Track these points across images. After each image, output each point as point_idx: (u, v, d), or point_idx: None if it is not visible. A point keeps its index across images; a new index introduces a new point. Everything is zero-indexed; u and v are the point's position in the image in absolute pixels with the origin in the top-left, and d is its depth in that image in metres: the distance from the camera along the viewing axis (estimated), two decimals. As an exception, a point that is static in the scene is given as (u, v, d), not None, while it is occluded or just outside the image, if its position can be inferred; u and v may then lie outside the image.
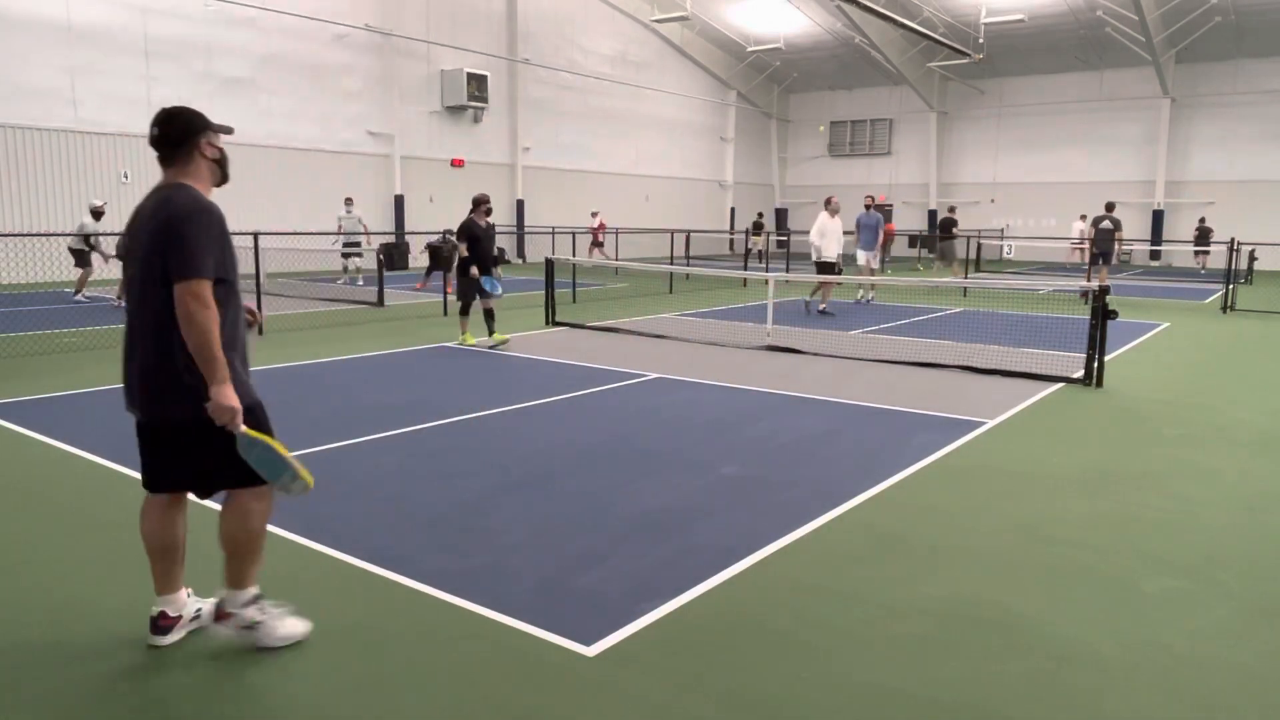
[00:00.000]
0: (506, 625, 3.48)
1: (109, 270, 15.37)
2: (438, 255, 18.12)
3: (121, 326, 3.28)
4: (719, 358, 10.12)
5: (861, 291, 17.29)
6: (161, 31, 19.63)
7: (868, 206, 16.49)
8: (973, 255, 25.41)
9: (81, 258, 14.76)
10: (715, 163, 37.02)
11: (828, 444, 6.35)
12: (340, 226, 19.22)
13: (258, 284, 12.27)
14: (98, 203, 15.17)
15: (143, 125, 17.13)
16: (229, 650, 3.27)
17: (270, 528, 4.43)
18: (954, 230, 22.20)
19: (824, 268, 14.30)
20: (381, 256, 15.54)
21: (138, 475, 3.30)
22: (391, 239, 23.61)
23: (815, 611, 3.67)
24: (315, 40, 22.49)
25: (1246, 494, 5.34)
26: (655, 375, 8.94)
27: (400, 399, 7.63)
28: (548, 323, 12.84)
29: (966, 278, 20.79)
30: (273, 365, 9.23)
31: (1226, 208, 30.42)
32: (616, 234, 25.00)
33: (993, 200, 35.26)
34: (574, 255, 21.56)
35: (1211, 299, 18.43)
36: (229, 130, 3.31)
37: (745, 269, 22.59)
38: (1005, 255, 29.82)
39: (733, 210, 37.69)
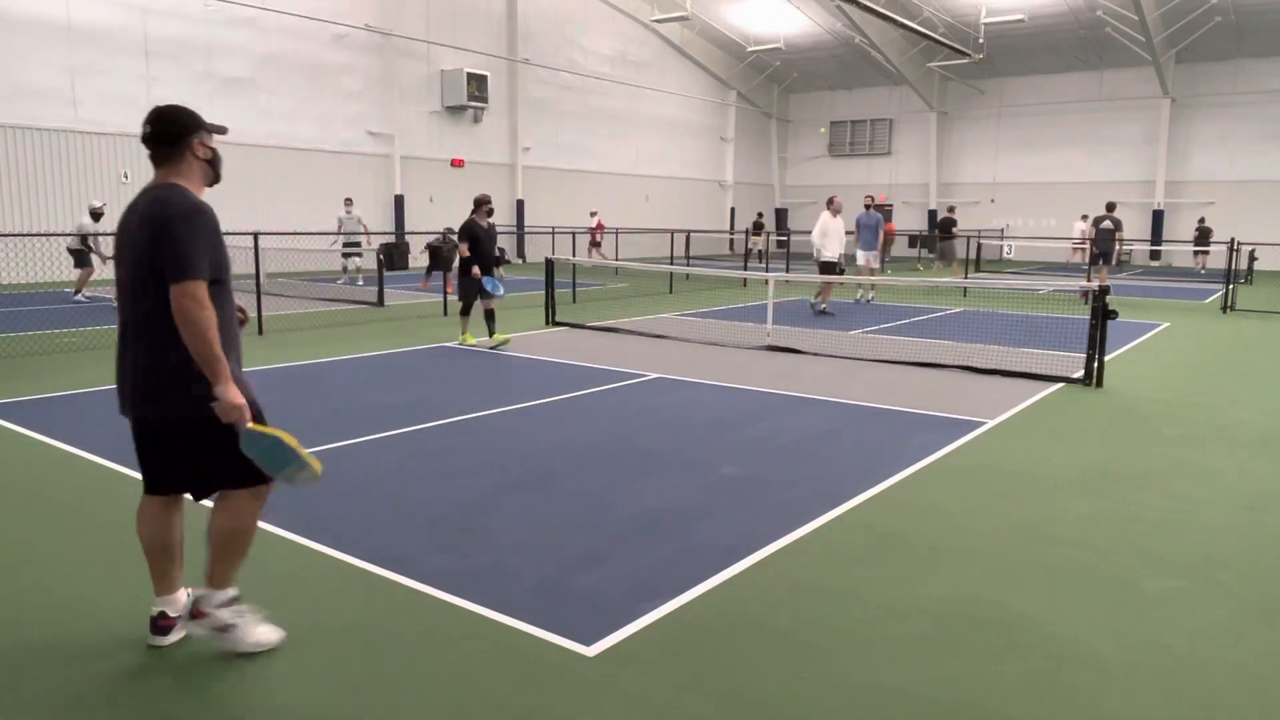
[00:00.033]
0: (506, 625, 3.48)
1: (109, 270, 15.37)
2: (438, 255, 18.13)
3: None
4: (719, 358, 10.12)
5: (861, 291, 17.30)
6: (161, 31, 19.63)
7: (867, 206, 16.50)
8: (972, 255, 25.42)
9: (80, 258, 14.77)
10: (715, 163, 37.02)
11: (828, 444, 6.35)
12: (340, 226, 19.23)
13: (258, 284, 12.26)
14: (97, 204, 15.18)
15: (143, 125, 17.16)
16: (228, 650, 3.26)
17: (270, 528, 4.45)
18: (953, 230, 22.21)
19: (826, 267, 14.30)
20: (381, 256, 15.54)
21: (138, 475, 3.29)
22: (391, 239, 23.61)
23: (815, 611, 3.67)
24: (315, 40, 22.49)
25: (1246, 494, 5.34)
26: (655, 375, 8.94)
27: (400, 399, 7.63)
28: (548, 323, 12.84)
29: (966, 277, 20.80)
30: (273, 365, 9.23)
31: (1226, 208, 30.43)
32: (616, 234, 25.00)
33: (993, 200, 35.26)
34: (574, 255, 21.56)
35: (1211, 299, 18.43)
36: (223, 130, 3.29)
37: (745, 269, 22.60)
38: (1005, 255, 29.83)
39: (733, 210, 37.70)
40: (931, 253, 24.84)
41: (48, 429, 6.40)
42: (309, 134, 22.68)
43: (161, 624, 3.29)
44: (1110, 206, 18.50)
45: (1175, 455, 6.22)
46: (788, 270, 20.27)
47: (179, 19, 19.92)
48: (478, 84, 25.68)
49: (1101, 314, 8.57)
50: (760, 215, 34.43)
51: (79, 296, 14.91)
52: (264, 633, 3.26)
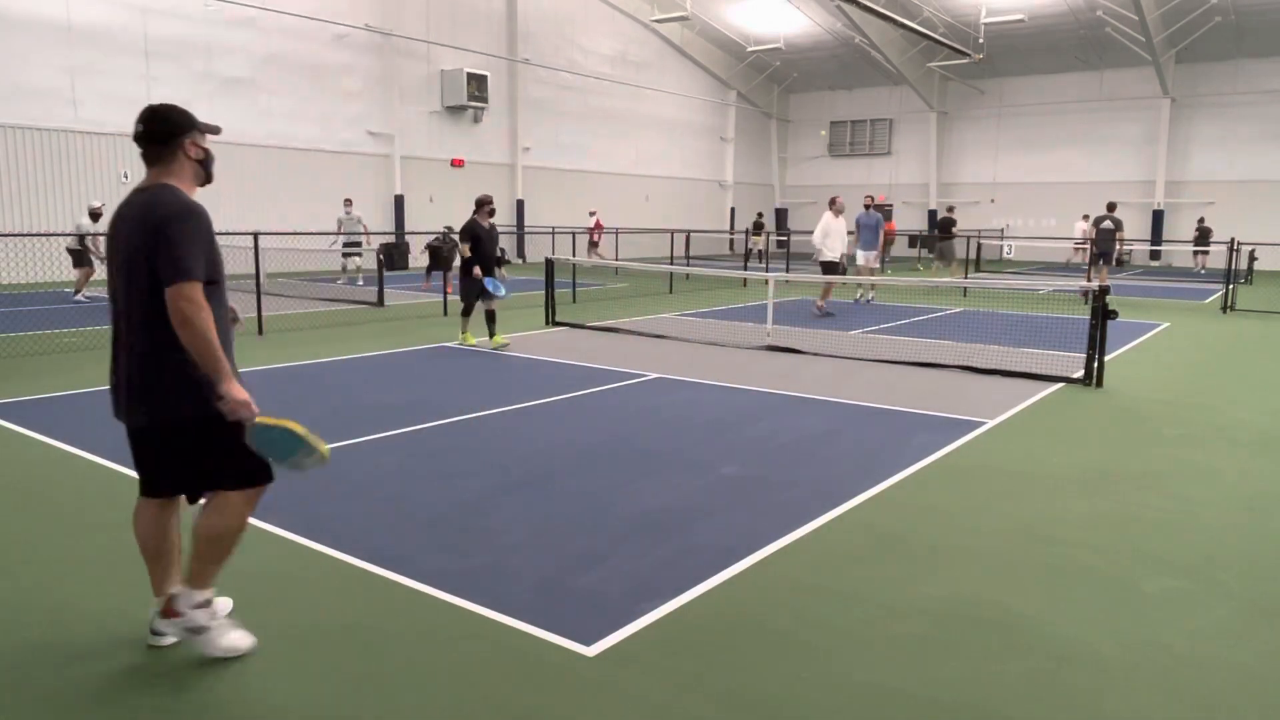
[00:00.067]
0: (506, 625, 3.48)
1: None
2: (437, 255, 18.14)
3: None
4: (719, 358, 10.12)
5: (861, 291, 17.30)
6: (161, 31, 19.63)
7: (867, 206, 16.51)
8: (972, 255, 25.41)
9: (79, 258, 14.77)
10: (715, 163, 37.02)
11: (828, 444, 6.35)
12: (340, 227, 19.25)
13: (258, 284, 12.26)
14: (96, 204, 15.18)
15: (143, 125, 17.15)
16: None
17: (270, 528, 4.45)
18: (953, 230, 22.21)
19: (827, 267, 14.31)
20: (381, 256, 15.54)
21: (137, 477, 3.28)
22: (391, 239, 23.61)
23: (815, 611, 3.67)
24: (315, 40, 22.49)
25: (1246, 494, 5.34)
26: (655, 375, 8.94)
27: (400, 399, 7.63)
28: (548, 323, 12.84)
29: (966, 277, 20.80)
30: (273, 365, 9.23)
31: (1226, 208, 30.43)
32: (616, 234, 25.00)
33: (993, 200, 35.26)
34: (574, 255, 21.56)
35: (1211, 299, 18.43)
36: (216, 130, 3.26)
37: (745, 269, 22.60)
38: (1005, 255, 29.83)
39: (733, 210, 37.70)
40: (931, 253, 24.84)
41: (48, 429, 6.40)
42: (309, 134, 22.68)
43: (161, 624, 3.30)
44: (1111, 206, 18.51)
45: (1175, 455, 6.22)
46: (788, 270, 20.26)
47: (179, 19, 19.92)
48: (478, 84, 25.68)
49: (1101, 314, 8.57)
50: (760, 215, 34.40)
51: (79, 296, 14.92)
52: (237, 638, 3.21)
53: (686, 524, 4.63)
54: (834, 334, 12.25)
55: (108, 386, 3.23)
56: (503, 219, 27.09)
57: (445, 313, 14.09)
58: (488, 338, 10.64)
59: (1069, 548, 4.41)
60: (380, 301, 15.00)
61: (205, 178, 3.24)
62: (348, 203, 19.67)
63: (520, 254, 28.37)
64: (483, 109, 26.38)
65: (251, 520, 4.50)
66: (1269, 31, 27.77)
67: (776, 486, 5.31)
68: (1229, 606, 3.77)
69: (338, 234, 19.26)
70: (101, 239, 14.23)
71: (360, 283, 19.00)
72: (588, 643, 3.34)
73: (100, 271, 15.09)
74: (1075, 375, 8.90)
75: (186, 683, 3.06)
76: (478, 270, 10.31)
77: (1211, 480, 5.62)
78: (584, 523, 4.62)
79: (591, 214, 26.86)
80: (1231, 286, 16.11)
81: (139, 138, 3.10)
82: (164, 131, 3.10)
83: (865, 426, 6.90)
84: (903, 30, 26.92)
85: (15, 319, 12.43)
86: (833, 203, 14.36)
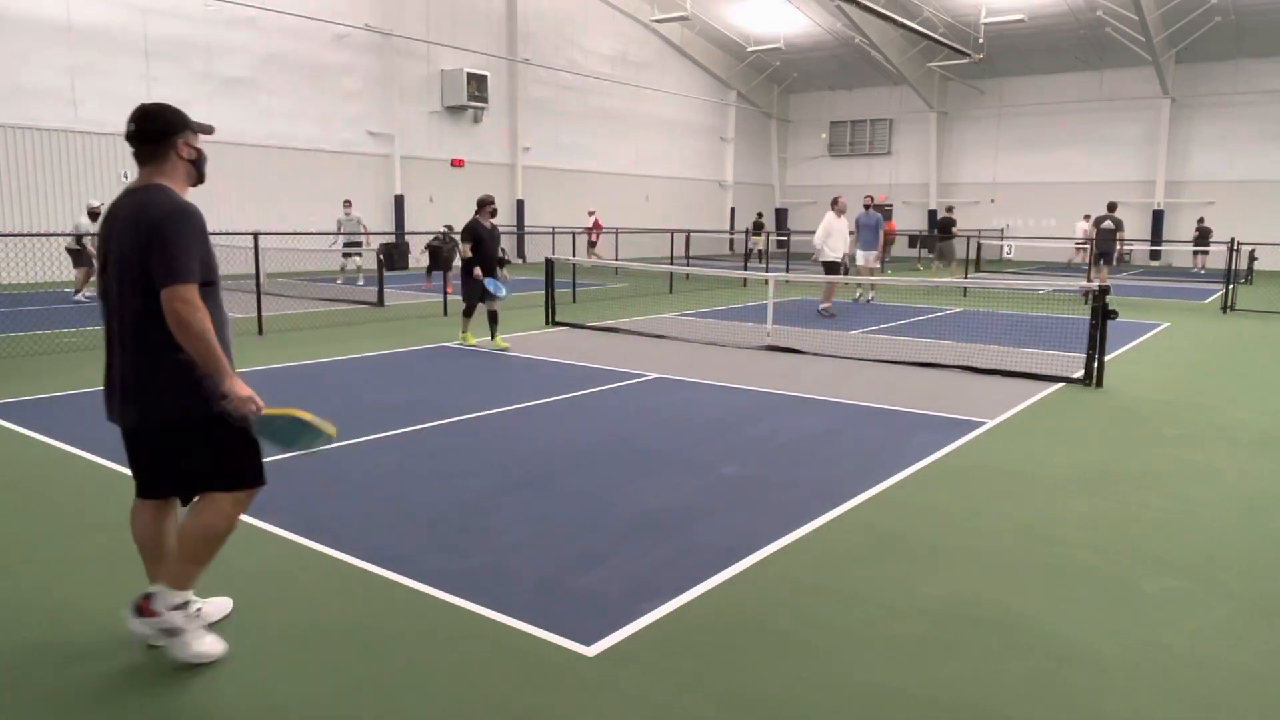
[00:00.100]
0: (506, 625, 3.48)
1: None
2: (437, 255, 18.14)
3: None
4: (719, 358, 10.12)
5: (860, 291, 17.30)
6: (161, 31, 19.63)
7: (867, 206, 16.51)
8: (972, 255, 25.41)
9: (78, 257, 14.78)
10: (715, 163, 37.03)
11: (828, 444, 6.35)
12: (339, 228, 19.25)
13: (258, 284, 12.26)
14: (95, 203, 15.18)
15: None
16: (229, 649, 3.26)
17: (270, 528, 4.45)
18: (953, 230, 22.22)
19: (829, 267, 14.33)
20: (381, 256, 15.54)
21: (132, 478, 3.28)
22: (391, 239, 23.61)
23: (815, 611, 3.67)
24: (315, 40, 22.49)
25: (1246, 494, 5.34)
26: (655, 375, 8.94)
27: (400, 399, 7.63)
28: (548, 323, 12.84)
29: (966, 277, 20.80)
30: (273, 365, 9.23)
31: (1226, 208, 30.43)
32: (616, 234, 25.00)
33: (993, 200, 35.26)
34: (574, 255, 21.56)
35: (1211, 299, 18.43)
36: (209, 130, 3.24)
37: (745, 269, 22.60)
38: (1005, 255, 29.84)
39: (733, 210, 37.70)
40: (931, 253, 24.86)
41: (48, 429, 6.40)
42: (309, 134, 22.68)
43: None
44: (1111, 207, 18.51)
45: (1175, 455, 6.22)
46: (788, 270, 20.26)
47: (179, 19, 19.92)
48: (478, 84, 25.68)
49: (1101, 314, 8.57)
50: (760, 215, 34.42)
51: (79, 296, 14.92)
52: (209, 644, 3.16)
53: (686, 524, 4.63)
54: (834, 334, 12.25)
55: (102, 388, 3.22)
56: (503, 219, 27.06)
57: (445, 313, 14.08)
58: (488, 338, 10.63)
59: (1069, 548, 4.41)
60: (380, 301, 15.00)
61: (198, 178, 3.22)
62: (347, 204, 19.67)
63: (520, 254, 28.37)
64: (483, 109, 26.39)
65: (252, 520, 4.51)
66: (1269, 31, 27.77)
67: (776, 486, 5.31)
68: (1229, 606, 3.77)
69: (338, 234, 19.27)
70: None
71: (361, 282, 19.00)
72: (588, 643, 3.34)
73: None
74: (1075, 375, 8.90)
75: (187, 683, 3.06)
76: (478, 271, 10.29)
77: (1211, 480, 5.62)
78: (584, 523, 4.62)
79: (590, 214, 26.84)
80: (1231, 286, 16.11)
81: (131, 137, 3.08)
82: (156, 131, 3.08)
83: (865, 426, 6.90)
84: (903, 30, 26.92)
85: (15, 319, 12.43)
86: (835, 203, 14.37)
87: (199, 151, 3.19)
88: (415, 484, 5.25)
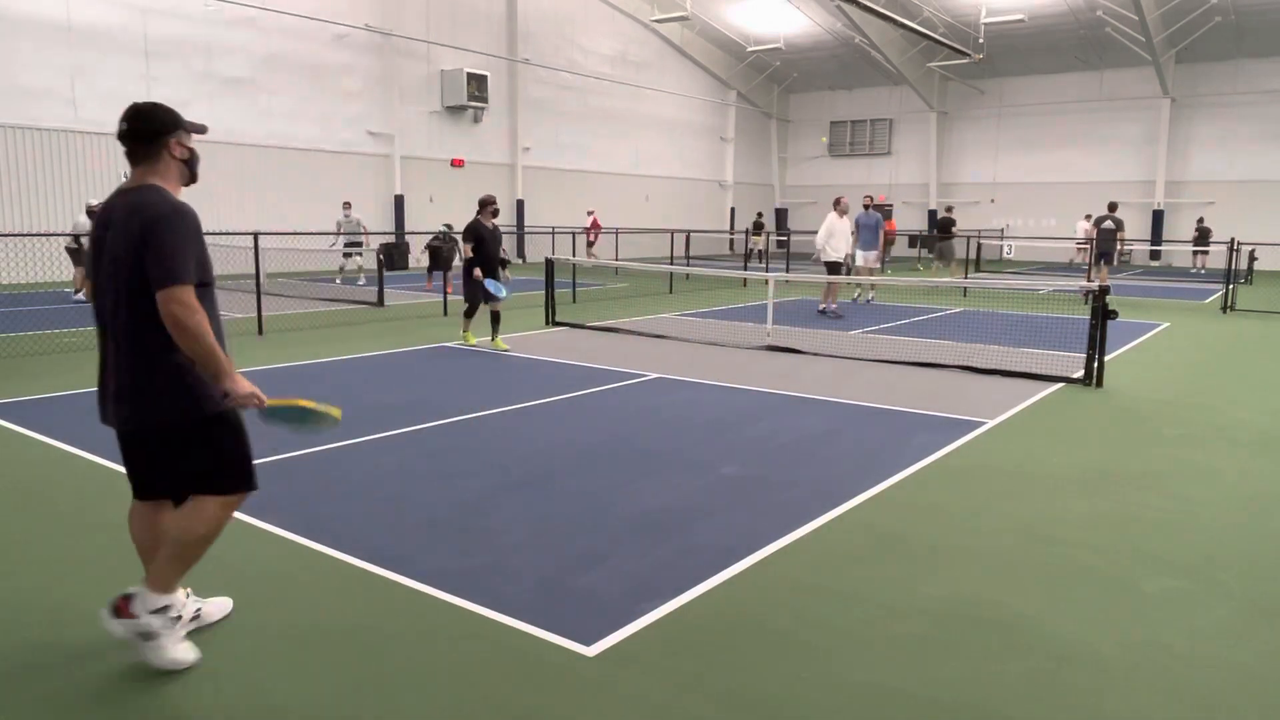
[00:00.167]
0: (506, 625, 3.48)
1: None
2: (437, 255, 18.15)
3: None
4: (719, 358, 10.12)
5: (859, 291, 17.30)
6: (161, 31, 19.63)
7: (866, 206, 16.52)
8: (972, 255, 25.41)
9: (77, 256, 14.79)
10: (715, 163, 37.03)
11: (828, 444, 6.35)
12: (339, 229, 19.26)
13: (258, 284, 12.26)
14: (94, 203, 15.19)
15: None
16: (228, 650, 3.27)
17: (270, 528, 4.45)
18: (952, 230, 22.22)
19: (832, 268, 14.35)
20: (381, 256, 15.54)
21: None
22: (391, 239, 23.62)
23: (815, 611, 3.67)
24: (315, 40, 22.49)
25: (1246, 494, 5.34)
26: (655, 375, 8.94)
27: (400, 399, 7.63)
28: (548, 323, 12.84)
29: (966, 277, 20.80)
30: (273, 365, 9.23)
31: (1226, 208, 30.43)
32: (616, 234, 25.00)
33: (993, 200, 35.27)
34: (574, 255, 21.56)
35: (1211, 299, 18.43)
36: (202, 129, 3.21)
37: (745, 269, 22.60)
38: (1005, 255, 29.83)
39: (733, 210, 37.70)
40: (931, 253, 24.87)
41: (48, 429, 6.40)
42: (309, 134, 22.68)
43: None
44: (1112, 207, 18.51)
45: (1175, 455, 6.22)
46: (788, 270, 20.26)
47: (179, 19, 19.92)
48: (478, 84, 25.68)
49: (1101, 314, 8.57)
50: (760, 215, 34.42)
51: (79, 295, 14.92)
52: (183, 650, 3.12)
53: (686, 524, 4.63)
54: (834, 334, 12.25)
55: (95, 390, 3.20)
56: (503, 219, 27.07)
57: (445, 313, 14.08)
58: (489, 338, 10.62)
59: (1069, 548, 4.41)
60: (380, 301, 15.00)
61: (190, 177, 3.19)
62: (347, 206, 19.65)
63: (520, 254, 28.38)
64: (483, 109, 26.39)
65: (252, 520, 4.52)
66: (1269, 31, 27.77)
67: (776, 486, 5.31)
68: (1229, 606, 3.77)
69: (337, 234, 19.27)
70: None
71: (362, 282, 19.00)
72: (588, 643, 3.34)
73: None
74: (1075, 375, 8.90)
75: (187, 683, 3.05)
76: (478, 272, 10.24)
77: (1211, 480, 5.62)
78: (584, 523, 4.62)
79: (589, 214, 26.83)
80: (1231, 286, 16.11)
81: (123, 136, 3.05)
82: (149, 130, 3.05)
83: (865, 426, 6.90)
84: (903, 30, 26.92)
85: (15, 319, 12.43)
86: (837, 203, 14.42)
87: (191, 151, 3.16)
88: (415, 484, 5.25)
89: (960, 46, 28.14)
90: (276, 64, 21.79)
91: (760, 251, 29.28)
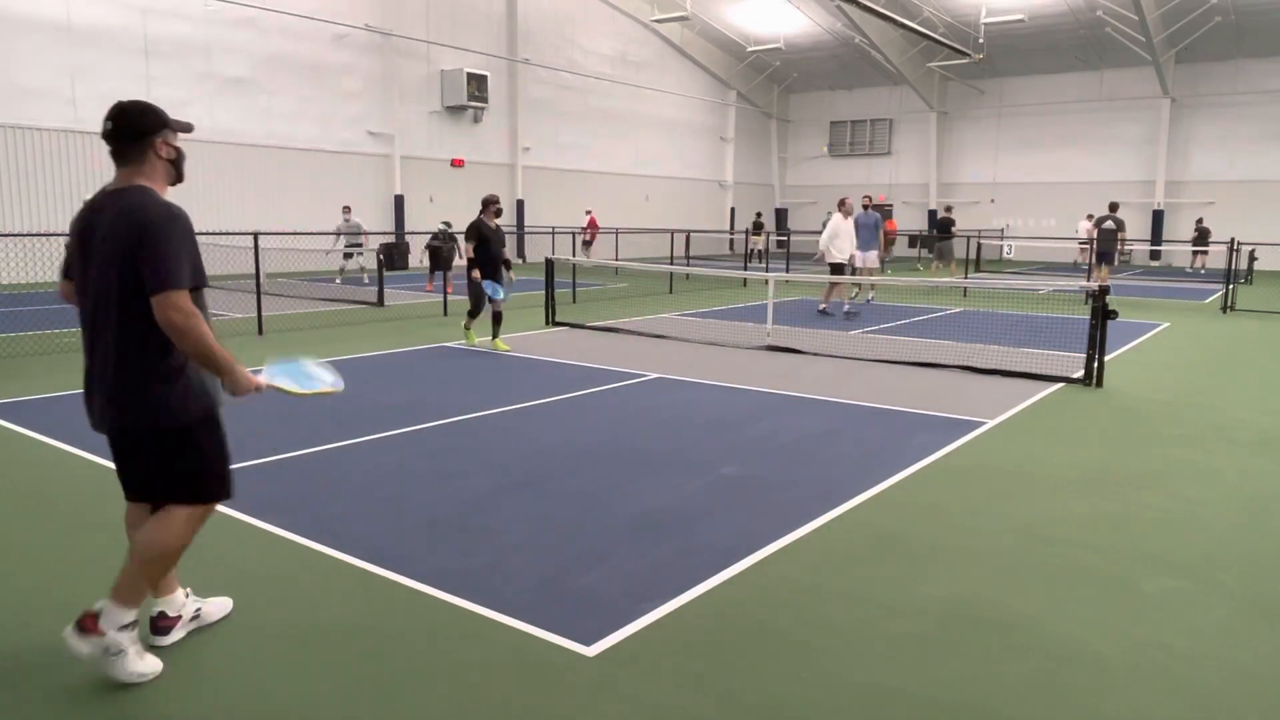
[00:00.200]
0: (506, 625, 3.48)
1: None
2: (437, 255, 18.15)
3: None
4: (719, 358, 10.12)
5: (856, 292, 17.28)
6: (161, 31, 19.63)
7: (865, 206, 16.51)
8: (972, 255, 25.41)
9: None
10: (715, 163, 37.03)
11: (828, 444, 6.35)
12: (339, 232, 19.27)
13: (258, 284, 12.26)
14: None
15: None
16: (229, 650, 3.27)
17: (271, 528, 4.45)
18: (952, 230, 22.22)
19: (835, 268, 14.37)
20: (381, 256, 15.54)
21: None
22: (391, 239, 23.62)
23: (815, 611, 3.66)
24: (315, 40, 22.49)
25: (1246, 494, 5.34)
26: (655, 375, 8.94)
27: (400, 399, 7.63)
28: (548, 323, 12.84)
29: (966, 277, 20.80)
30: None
31: (1226, 208, 30.43)
32: (616, 234, 25.00)
33: (993, 200, 35.27)
34: (574, 255, 21.55)
35: (1211, 299, 18.43)
36: (188, 128, 3.15)
37: (745, 269, 22.60)
38: (1005, 255, 29.83)
39: (733, 210, 37.70)
40: (931, 253, 24.87)
41: (48, 429, 6.40)
42: (309, 134, 22.68)
43: (161, 624, 3.29)
44: (1113, 207, 18.50)
45: (1175, 455, 6.22)
46: (788, 270, 20.26)
47: (179, 19, 19.92)
48: (478, 84, 25.68)
49: (1101, 314, 8.57)
50: (760, 215, 34.43)
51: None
52: (149, 663, 3.07)
53: (686, 524, 4.63)
54: (834, 334, 12.25)
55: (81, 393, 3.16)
56: (503, 219, 27.09)
57: (445, 313, 14.08)
58: (490, 338, 10.62)
59: (1069, 548, 4.41)
60: (380, 301, 15.00)
61: (176, 177, 3.14)
62: (346, 210, 19.62)
63: (520, 254, 28.38)
64: (483, 109, 26.39)
65: (252, 520, 4.52)
66: (1269, 31, 27.77)
67: (776, 486, 5.31)
68: (1229, 606, 3.77)
69: (337, 234, 19.28)
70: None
71: (366, 281, 18.98)
72: (588, 643, 3.34)
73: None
74: (1075, 375, 8.90)
75: (187, 683, 3.06)
76: (477, 273, 10.17)
77: (1211, 480, 5.62)
78: (584, 523, 4.62)
79: (587, 213, 26.81)
80: (1231, 286, 16.11)
81: (108, 136, 2.99)
82: (134, 130, 2.99)
83: (865, 426, 6.90)
84: (903, 30, 26.92)
85: (15, 319, 12.42)
86: (841, 204, 14.47)
87: (178, 150, 3.11)
88: (415, 484, 5.25)
89: (960, 46, 28.14)
90: (276, 64, 21.79)
91: (760, 251, 29.28)
